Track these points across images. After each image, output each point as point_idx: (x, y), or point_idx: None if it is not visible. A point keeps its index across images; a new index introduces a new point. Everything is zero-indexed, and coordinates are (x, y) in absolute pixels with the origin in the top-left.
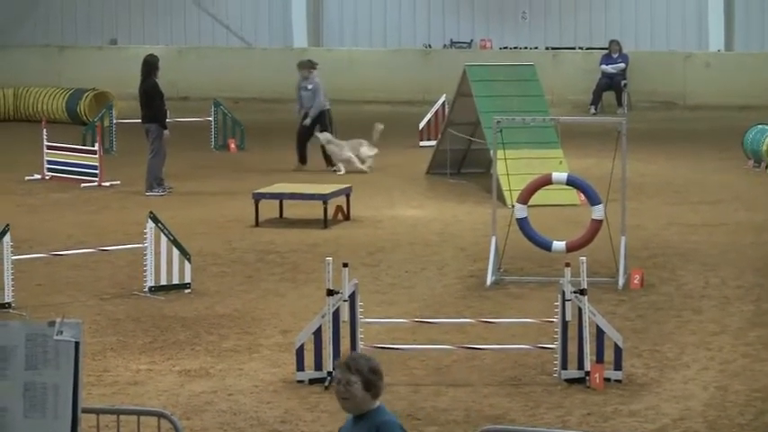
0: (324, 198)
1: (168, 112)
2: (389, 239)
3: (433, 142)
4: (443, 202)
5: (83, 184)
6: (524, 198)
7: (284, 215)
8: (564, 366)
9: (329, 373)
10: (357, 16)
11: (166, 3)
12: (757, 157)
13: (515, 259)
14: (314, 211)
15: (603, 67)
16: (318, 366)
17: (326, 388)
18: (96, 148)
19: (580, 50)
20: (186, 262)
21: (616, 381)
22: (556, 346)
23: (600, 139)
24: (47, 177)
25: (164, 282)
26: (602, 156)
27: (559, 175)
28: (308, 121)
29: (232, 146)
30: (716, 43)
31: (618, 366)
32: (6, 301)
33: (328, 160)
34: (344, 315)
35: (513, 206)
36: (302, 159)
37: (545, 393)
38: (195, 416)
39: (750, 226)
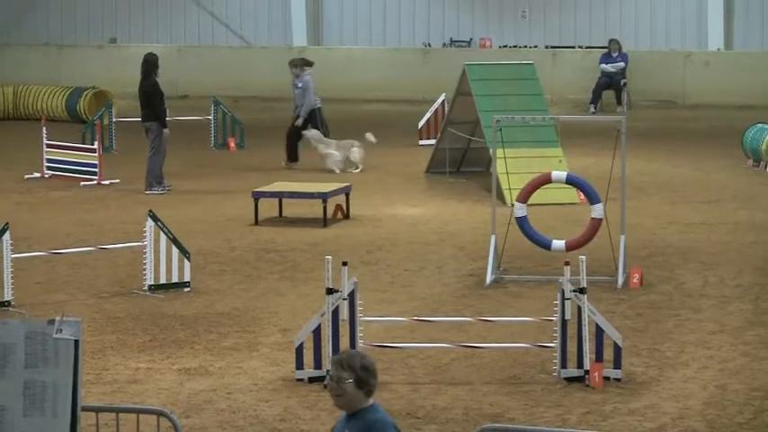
0: (323, 197)
1: (168, 110)
2: (389, 238)
3: (433, 141)
4: (443, 201)
5: (82, 183)
6: (524, 197)
7: (284, 214)
8: (563, 365)
9: (329, 372)
10: (356, 15)
11: (166, 1)
12: (757, 156)
13: (515, 258)
14: (313, 209)
15: (603, 65)
16: (318, 365)
17: (326, 386)
18: (96, 146)
19: (580, 49)
20: (186, 260)
21: (615, 379)
22: (555, 344)
23: (599, 138)
24: (46, 176)
25: (163, 280)
26: (602, 155)
27: (559, 174)
28: (299, 122)
29: (232, 144)
30: (715, 42)
31: (617, 365)
32: (6, 299)
33: (291, 156)
34: (344, 313)
35: (512, 205)
36: (291, 157)
37: (544, 392)
38: (194, 414)
39: (749, 225)
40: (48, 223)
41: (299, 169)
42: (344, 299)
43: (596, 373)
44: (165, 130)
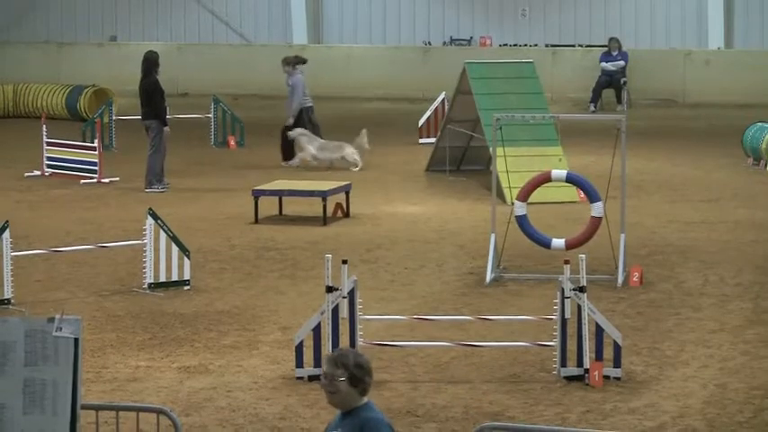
0: (323, 195)
1: (168, 108)
2: (389, 236)
3: (433, 139)
4: (443, 200)
5: (82, 181)
6: (524, 195)
7: (284, 212)
8: (563, 364)
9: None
10: (357, 13)
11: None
12: (757, 155)
13: (514, 256)
14: (313, 208)
15: (603, 64)
16: (318, 363)
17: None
18: (96, 144)
19: (580, 48)
20: (185, 258)
21: (615, 378)
22: (555, 343)
23: (599, 137)
24: (46, 174)
25: (163, 278)
26: (602, 153)
27: (559, 173)
28: (290, 121)
29: (232, 142)
30: (715, 41)
31: (617, 364)
32: (6, 297)
33: (286, 155)
34: (344, 312)
35: (512, 203)
36: (286, 156)
37: (544, 390)
38: (194, 412)
39: (749, 224)
40: (48, 221)
41: (299, 168)
42: (344, 297)
43: (596, 372)
44: (166, 129)
